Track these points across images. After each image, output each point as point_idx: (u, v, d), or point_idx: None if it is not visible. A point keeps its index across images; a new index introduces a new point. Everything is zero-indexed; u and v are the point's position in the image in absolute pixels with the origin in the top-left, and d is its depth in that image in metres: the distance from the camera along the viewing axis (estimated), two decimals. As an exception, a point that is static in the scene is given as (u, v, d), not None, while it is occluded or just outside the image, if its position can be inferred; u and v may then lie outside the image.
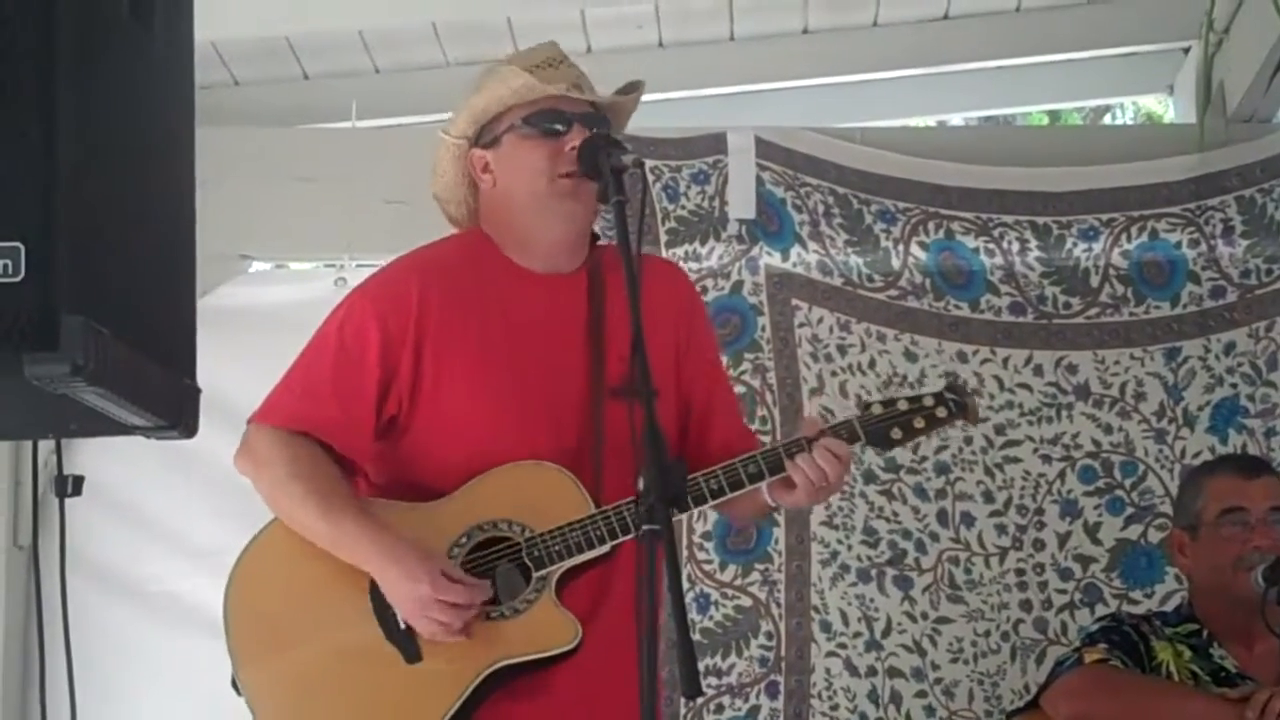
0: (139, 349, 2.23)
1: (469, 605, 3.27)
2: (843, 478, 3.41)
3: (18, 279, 2.06)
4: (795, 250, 5.36)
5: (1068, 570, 5.28)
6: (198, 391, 2.47)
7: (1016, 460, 5.33)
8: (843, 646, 5.17)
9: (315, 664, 3.36)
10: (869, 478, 5.24)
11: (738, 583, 5.22)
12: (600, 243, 3.58)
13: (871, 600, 5.21)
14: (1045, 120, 9.29)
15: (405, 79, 5.98)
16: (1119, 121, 10.09)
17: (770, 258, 5.36)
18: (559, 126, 3.44)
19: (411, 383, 3.41)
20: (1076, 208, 5.45)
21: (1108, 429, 5.35)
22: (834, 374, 5.29)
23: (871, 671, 5.17)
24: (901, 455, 5.26)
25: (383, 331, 3.41)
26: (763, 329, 5.32)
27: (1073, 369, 5.37)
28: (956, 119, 7.97)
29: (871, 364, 5.31)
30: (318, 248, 5.71)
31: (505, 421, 3.39)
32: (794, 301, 5.34)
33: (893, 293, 5.38)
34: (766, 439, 4.66)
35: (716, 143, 5.41)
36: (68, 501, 2.74)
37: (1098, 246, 5.42)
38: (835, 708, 5.15)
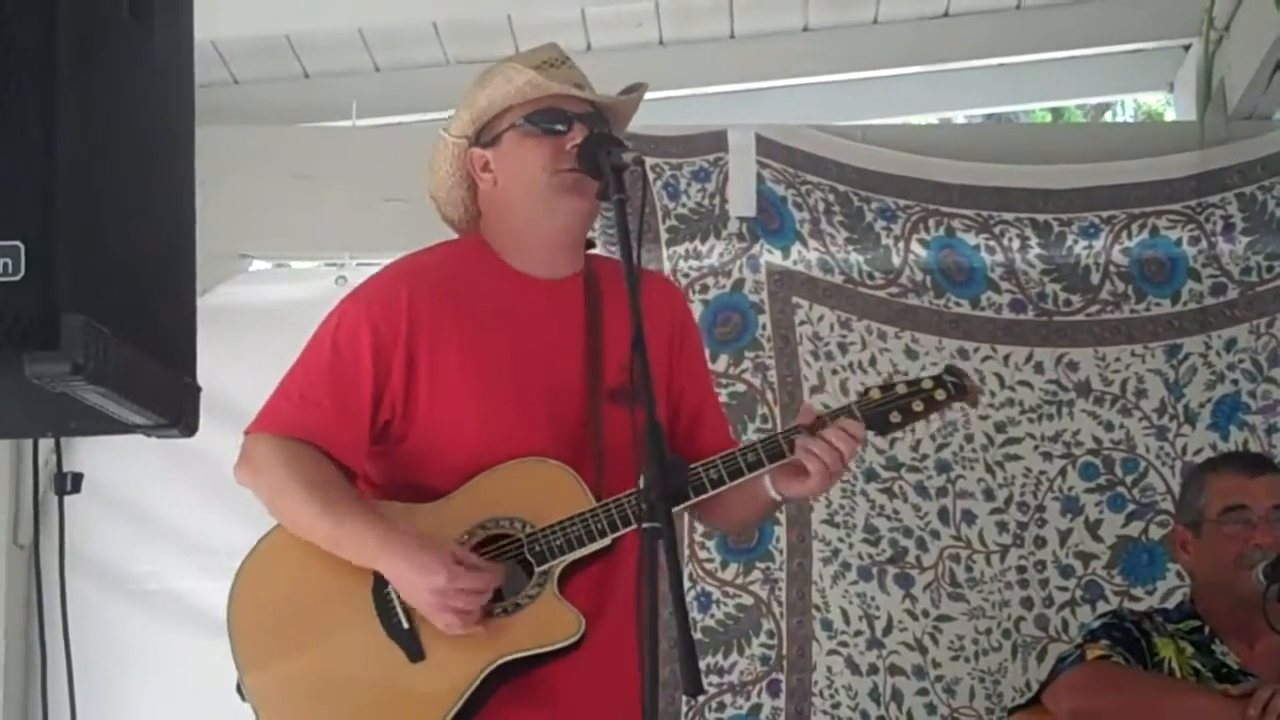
0: (139, 348, 2.23)
1: (486, 589, 3.27)
2: (850, 460, 3.39)
3: (18, 278, 2.06)
4: (796, 248, 5.36)
5: (1069, 567, 5.28)
6: (198, 390, 2.47)
7: (1017, 458, 5.33)
8: (844, 645, 5.17)
9: (319, 666, 3.35)
10: (870, 476, 5.25)
11: (739, 581, 5.23)
12: (593, 251, 3.58)
13: (873, 598, 5.21)
14: (1048, 118, 9.28)
15: (405, 77, 5.98)
16: (1119, 119, 10.07)
17: (771, 255, 5.36)
18: (560, 126, 3.43)
19: (405, 388, 3.40)
20: (1077, 205, 5.45)
21: (1109, 426, 5.35)
22: (835, 372, 5.29)
23: (873, 669, 5.17)
24: (902, 453, 5.27)
25: (375, 337, 3.40)
26: (763, 327, 5.32)
27: (1073, 366, 5.37)
28: (957, 116, 7.97)
29: (872, 361, 5.31)
30: (318, 246, 5.71)
31: (504, 422, 3.38)
32: (795, 299, 5.35)
33: (893, 290, 5.38)
34: (767, 437, 4.66)
35: (717, 140, 5.42)
36: (67, 499, 2.74)
37: (1098, 244, 5.42)
38: (837, 706, 5.15)
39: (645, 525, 2.85)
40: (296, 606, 3.40)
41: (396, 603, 3.33)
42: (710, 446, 3.49)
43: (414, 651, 3.32)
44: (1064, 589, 5.27)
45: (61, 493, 2.72)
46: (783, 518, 5.19)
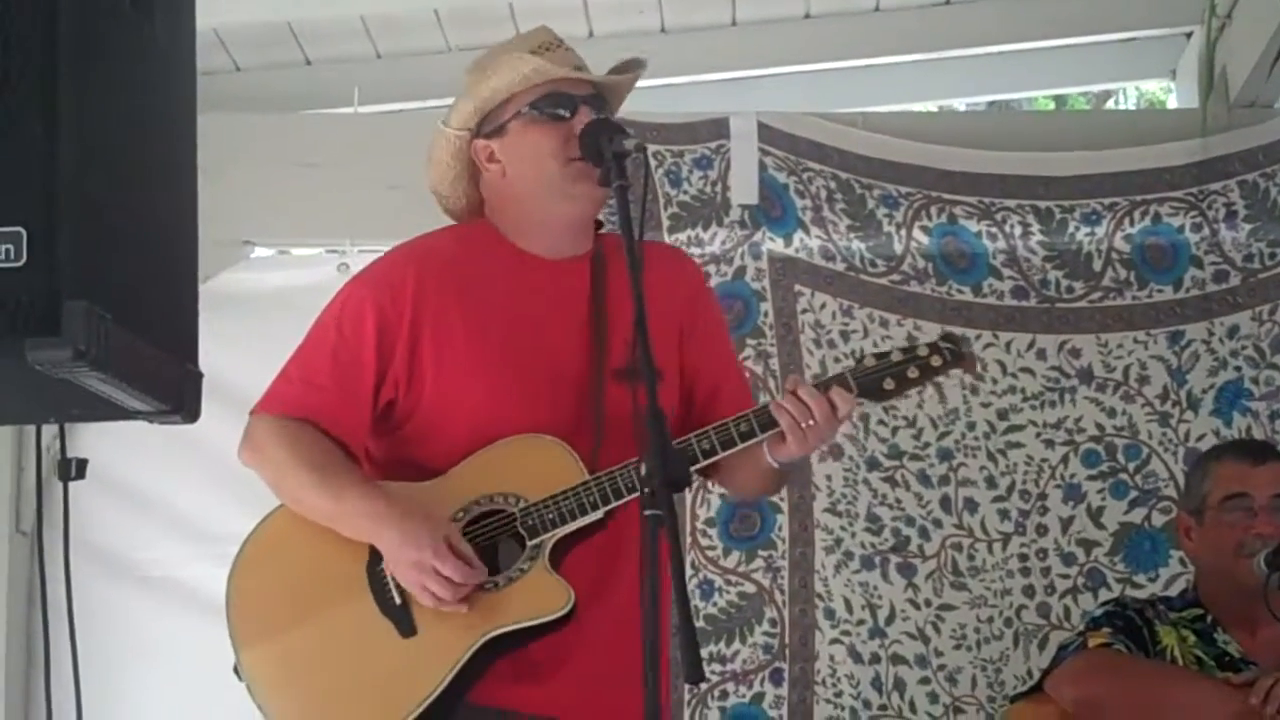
0: (141, 334, 2.24)
1: (464, 583, 3.26)
2: (831, 421, 3.32)
3: (20, 264, 2.06)
4: (798, 235, 5.36)
5: (1071, 555, 5.28)
6: (200, 376, 2.47)
7: (1019, 445, 5.33)
8: (846, 633, 5.17)
9: (311, 642, 3.37)
10: (872, 464, 5.25)
11: (741, 569, 5.23)
12: (604, 230, 3.58)
13: (875, 587, 5.21)
14: (1051, 106, 9.29)
15: (407, 64, 5.98)
16: (1121, 107, 10.08)
17: (773, 243, 5.36)
18: (565, 110, 3.43)
19: (408, 368, 3.41)
20: (1079, 192, 5.45)
21: (1111, 413, 5.35)
22: (837, 360, 5.28)
23: (875, 658, 5.17)
24: (904, 441, 5.27)
25: (379, 319, 3.41)
26: (765, 315, 5.32)
27: (1076, 353, 5.37)
28: (959, 104, 7.97)
29: (874, 349, 5.31)
30: (320, 233, 5.71)
31: (506, 401, 3.39)
32: (797, 287, 5.34)
33: (895, 277, 5.38)
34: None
35: (719, 128, 5.41)
36: (71, 486, 2.74)
37: (1100, 230, 5.42)
38: (839, 694, 5.15)
39: (647, 513, 2.85)
40: (292, 586, 3.42)
41: (390, 579, 3.33)
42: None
43: (406, 627, 3.32)
44: (1066, 576, 5.27)
45: (66, 478, 2.73)
46: (785, 506, 5.20)
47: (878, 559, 5.23)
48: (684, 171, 5.37)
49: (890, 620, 5.21)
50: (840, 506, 5.23)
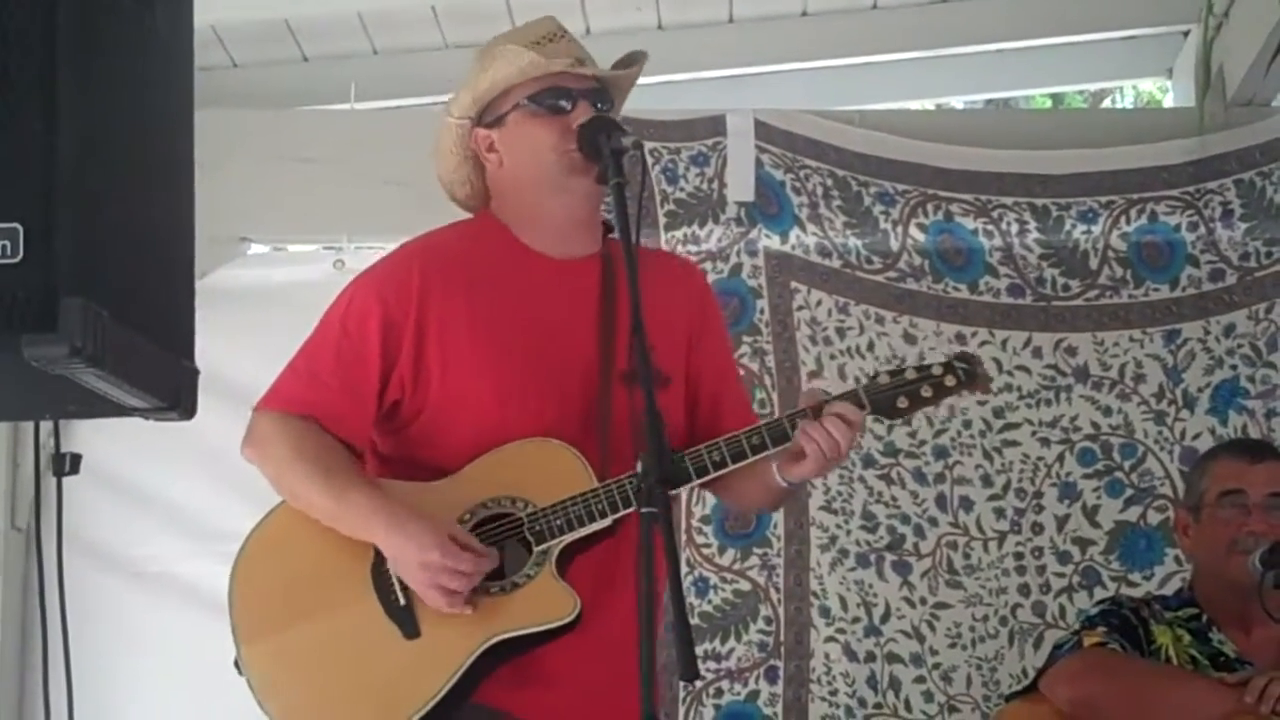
0: (138, 330, 2.23)
1: (477, 573, 3.26)
2: (851, 447, 3.34)
3: (17, 260, 2.06)
4: (794, 232, 5.36)
5: (1066, 553, 5.29)
6: (196, 373, 2.46)
7: (1015, 443, 5.33)
8: (841, 631, 5.17)
9: (314, 640, 3.36)
10: (868, 462, 5.25)
11: (737, 567, 5.23)
12: (614, 235, 3.57)
13: (870, 585, 5.21)
14: (1049, 104, 9.29)
15: (404, 60, 5.97)
16: (1118, 105, 10.08)
17: (769, 240, 5.36)
18: (564, 103, 3.42)
19: (414, 368, 3.40)
20: (1075, 190, 5.45)
21: (1107, 411, 5.35)
22: (833, 357, 5.29)
23: (870, 657, 5.18)
24: (900, 439, 5.27)
25: (384, 317, 3.40)
26: (761, 312, 5.33)
27: (1072, 351, 5.37)
28: (956, 102, 7.97)
29: (870, 346, 5.32)
30: (317, 229, 5.70)
31: (513, 402, 3.38)
32: (793, 284, 5.35)
33: (891, 275, 5.38)
34: (765, 422, 4.66)
35: (715, 125, 5.41)
36: (66, 481, 2.74)
37: (1097, 229, 5.42)
38: (834, 693, 5.16)
39: (643, 510, 2.85)
40: (295, 583, 3.41)
41: (394, 580, 3.33)
42: (732, 429, 3.44)
43: (409, 629, 3.32)
44: (1061, 575, 5.27)
45: (60, 474, 2.73)
46: (780, 504, 5.20)
47: (873, 557, 5.23)
48: (681, 168, 5.37)
49: (885, 618, 5.21)
50: (836, 504, 5.23)
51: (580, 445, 3.36)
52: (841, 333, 5.33)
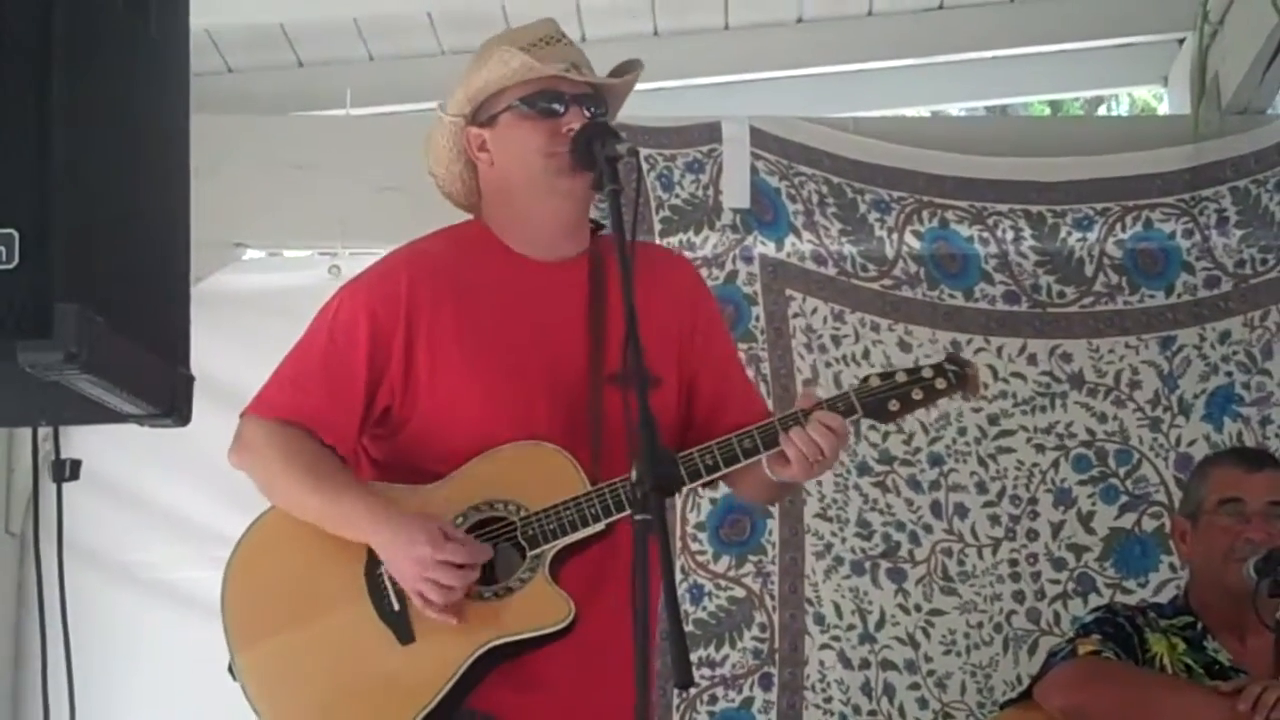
0: (133, 337, 2.23)
1: (469, 566, 3.26)
2: (838, 451, 3.35)
3: (12, 266, 2.06)
4: (789, 240, 5.36)
5: (1061, 560, 5.28)
6: (191, 379, 2.46)
7: (1010, 450, 5.33)
8: (836, 639, 5.17)
9: (309, 646, 3.36)
10: (863, 470, 5.25)
11: (731, 574, 5.23)
12: (603, 232, 3.57)
13: (865, 593, 5.21)
14: (1046, 111, 9.30)
15: (400, 66, 5.98)
16: (1113, 113, 10.09)
17: (764, 247, 5.36)
18: (556, 107, 3.42)
19: (404, 374, 3.40)
20: (1071, 197, 5.45)
21: (1102, 418, 5.35)
22: (828, 364, 5.29)
23: (865, 664, 5.17)
24: (895, 446, 5.27)
25: (372, 324, 3.40)
26: (757, 319, 5.32)
27: (1067, 357, 5.37)
28: (952, 109, 7.98)
29: (865, 354, 5.31)
30: (312, 235, 5.70)
31: (503, 406, 3.38)
32: (788, 291, 5.34)
33: (887, 282, 5.38)
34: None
35: (711, 132, 5.41)
36: (64, 487, 2.74)
37: (1092, 235, 5.42)
38: (829, 700, 5.15)
39: (637, 517, 2.85)
40: (289, 587, 3.41)
41: (388, 584, 3.33)
42: (735, 426, 3.42)
43: (404, 634, 3.32)
44: (1056, 582, 5.27)
45: (59, 480, 2.72)
46: (775, 511, 5.19)
47: (868, 564, 5.23)
48: (676, 175, 5.36)
49: (880, 625, 5.20)
50: (831, 511, 5.23)
51: (571, 447, 3.36)
52: (837, 340, 5.32)
